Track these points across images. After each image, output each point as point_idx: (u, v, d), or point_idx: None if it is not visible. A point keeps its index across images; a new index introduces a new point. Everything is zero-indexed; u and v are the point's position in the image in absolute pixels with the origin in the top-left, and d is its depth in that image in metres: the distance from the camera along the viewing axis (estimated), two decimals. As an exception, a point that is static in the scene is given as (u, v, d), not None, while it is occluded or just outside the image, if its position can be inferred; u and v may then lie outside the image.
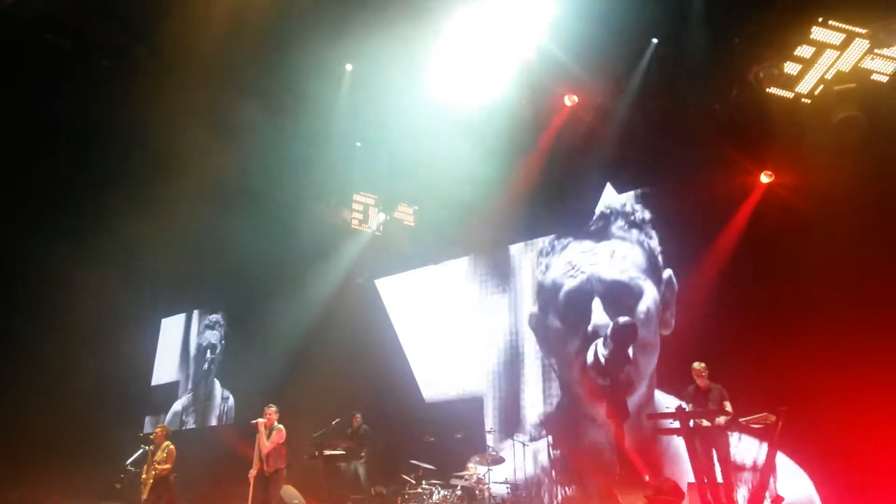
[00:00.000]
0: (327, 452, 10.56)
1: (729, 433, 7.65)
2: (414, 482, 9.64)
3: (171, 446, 9.58)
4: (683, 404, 7.83)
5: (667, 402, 9.61)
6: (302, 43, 9.80)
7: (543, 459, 10.62)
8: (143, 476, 9.55)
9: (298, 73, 10.32)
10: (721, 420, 7.62)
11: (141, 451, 10.38)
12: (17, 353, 13.30)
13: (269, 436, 8.80)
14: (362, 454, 10.84)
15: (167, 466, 9.40)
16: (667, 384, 9.93)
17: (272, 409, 9.05)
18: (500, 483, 9.86)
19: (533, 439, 11.11)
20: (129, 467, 10.25)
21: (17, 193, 12.46)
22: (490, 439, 10.75)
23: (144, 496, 9.44)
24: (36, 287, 13.49)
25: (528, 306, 12.07)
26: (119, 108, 10.53)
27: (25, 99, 10.61)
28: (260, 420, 8.91)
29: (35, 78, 10.30)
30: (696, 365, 8.26)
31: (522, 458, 10.49)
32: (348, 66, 10.48)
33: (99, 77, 10.17)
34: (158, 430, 9.93)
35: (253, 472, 8.68)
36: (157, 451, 9.51)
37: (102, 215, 12.39)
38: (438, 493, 9.12)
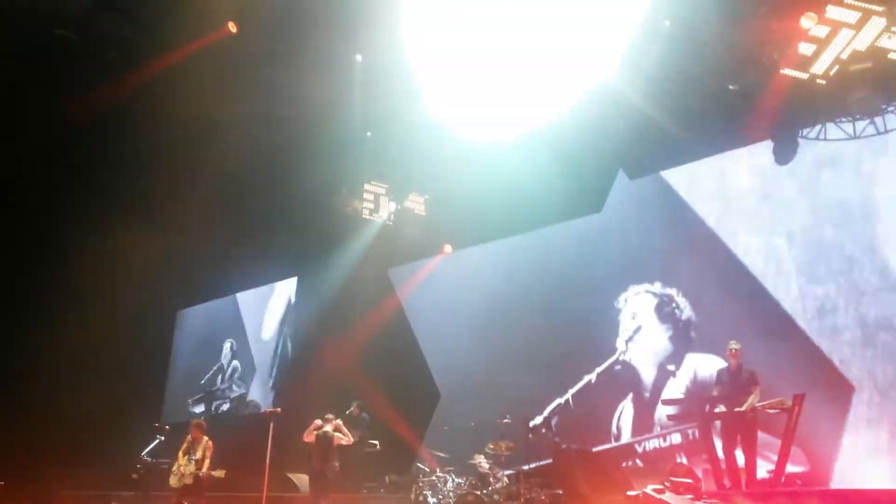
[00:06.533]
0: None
1: (749, 417, 7.54)
2: (427, 470, 9.64)
3: (210, 443, 9.45)
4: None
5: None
6: (311, 33, 9.75)
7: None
8: (183, 469, 9.33)
9: (308, 64, 10.26)
10: (744, 407, 7.53)
11: (157, 440, 10.35)
12: (32, 345, 13.38)
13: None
14: (374, 441, 10.79)
15: (207, 466, 9.21)
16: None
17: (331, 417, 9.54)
18: (513, 471, 9.82)
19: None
20: (146, 457, 10.25)
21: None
22: (505, 428, 10.70)
23: (175, 484, 9.30)
24: (49, 280, 13.56)
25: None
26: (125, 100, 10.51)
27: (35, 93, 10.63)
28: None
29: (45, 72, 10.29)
30: (731, 345, 7.97)
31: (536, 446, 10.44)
32: (358, 57, 10.41)
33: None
34: (195, 424, 9.72)
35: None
36: (198, 449, 9.34)
37: (115, 205, 12.42)
38: (452, 480, 9.11)
